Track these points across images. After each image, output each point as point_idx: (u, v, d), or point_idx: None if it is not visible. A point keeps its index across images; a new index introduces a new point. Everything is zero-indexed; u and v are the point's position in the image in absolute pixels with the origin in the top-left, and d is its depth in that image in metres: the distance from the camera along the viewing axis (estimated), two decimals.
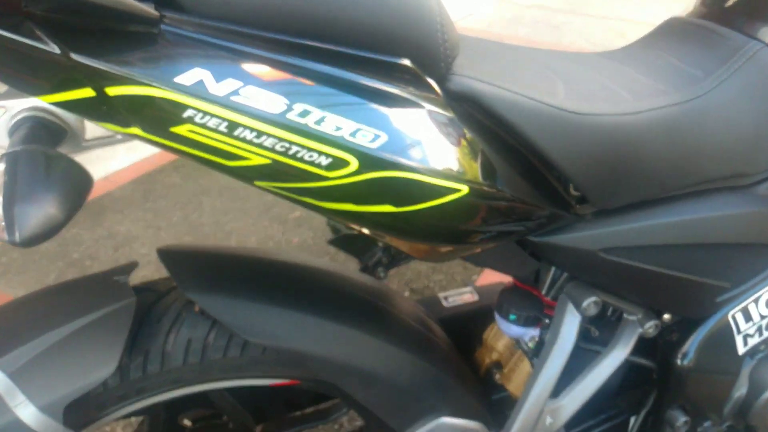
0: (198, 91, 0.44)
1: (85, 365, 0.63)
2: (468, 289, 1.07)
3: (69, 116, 0.52)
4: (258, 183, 0.50)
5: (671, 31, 0.83)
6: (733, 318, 0.85)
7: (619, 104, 0.64)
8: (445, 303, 1.04)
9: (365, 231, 0.57)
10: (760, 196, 0.76)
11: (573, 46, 3.81)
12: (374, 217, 0.52)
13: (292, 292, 0.73)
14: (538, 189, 0.63)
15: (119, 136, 0.53)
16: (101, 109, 0.45)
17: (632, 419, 0.93)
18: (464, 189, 0.52)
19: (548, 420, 0.75)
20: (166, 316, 0.70)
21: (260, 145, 0.45)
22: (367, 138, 0.47)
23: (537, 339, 0.79)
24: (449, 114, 0.52)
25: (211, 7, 0.45)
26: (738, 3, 0.81)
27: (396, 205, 0.50)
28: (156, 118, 0.44)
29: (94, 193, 2.68)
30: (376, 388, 0.74)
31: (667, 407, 0.88)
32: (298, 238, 2.08)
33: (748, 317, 0.85)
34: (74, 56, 0.42)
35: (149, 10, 0.43)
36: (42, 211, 0.42)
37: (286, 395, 0.94)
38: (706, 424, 0.92)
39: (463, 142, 0.52)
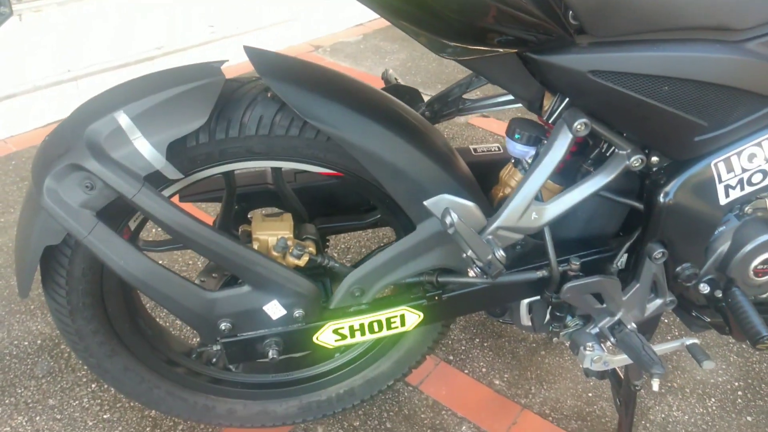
0: None
1: (184, 116, 0.87)
2: (496, 145, 1.24)
3: None
4: None
5: None
6: (716, 167, 0.98)
7: None
8: (473, 152, 1.22)
9: (394, 15, 0.76)
10: (745, 49, 0.88)
11: None
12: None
13: (351, 95, 0.93)
14: (540, 9, 0.79)
15: None
16: None
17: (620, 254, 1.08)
18: None
19: (533, 216, 0.93)
20: (246, 96, 0.92)
21: None
22: None
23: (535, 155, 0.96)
24: None
25: None
26: None
27: None
28: None
29: None
30: (401, 182, 0.94)
31: (648, 241, 1.03)
32: None
33: (729, 168, 0.98)
34: None
35: None
36: None
37: (332, 197, 1.16)
38: (686, 265, 1.06)
39: None
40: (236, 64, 3.09)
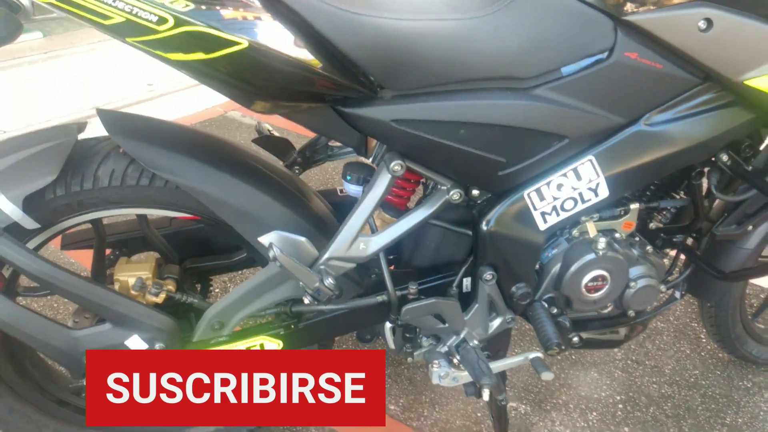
0: None
1: (37, 173, 0.97)
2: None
3: None
4: (128, 39, 0.82)
5: None
6: (529, 196, 1.11)
7: (398, 12, 0.93)
8: (339, 193, 1.34)
9: (205, 81, 0.89)
10: (531, 94, 1.02)
11: None
12: (199, 66, 0.84)
13: (195, 146, 1.05)
14: (338, 69, 0.92)
15: (55, 14, 0.86)
16: None
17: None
18: (244, 43, 0.82)
19: (361, 246, 1.04)
20: (100, 153, 1.03)
21: (116, 7, 0.78)
22: (180, 5, 0.78)
23: None
24: (250, 3, 0.83)
25: None
26: None
27: (205, 52, 0.81)
28: None
29: None
30: (245, 222, 1.05)
31: (479, 265, 1.15)
32: None
33: (541, 197, 1.11)
34: None
35: None
36: None
37: (202, 240, 1.26)
38: (519, 285, 1.18)
39: (255, 19, 0.83)
40: (179, 118, 3.24)
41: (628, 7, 1.01)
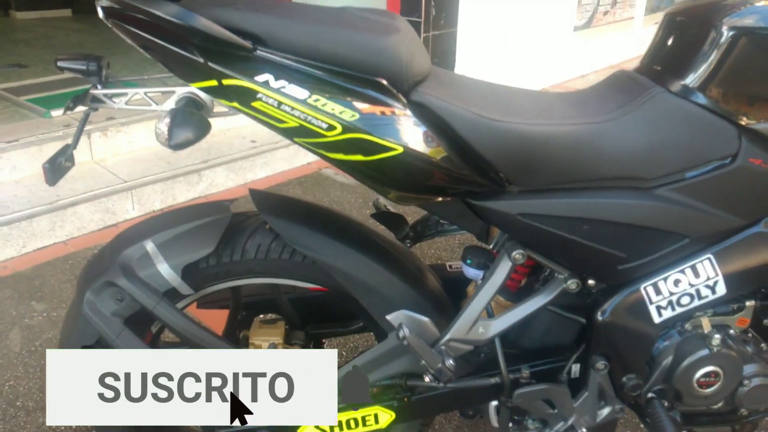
0: (265, 84, 0.88)
1: (197, 245, 1.09)
2: None
3: (205, 96, 0.99)
4: (296, 140, 0.93)
5: (611, 79, 1.17)
6: (645, 290, 1.13)
7: (530, 118, 1.00)
8: (449, 269, 1.41)
9: (356, 176, 0.98)
10: (654, 195, 1.06)
11: None
12: (356, 164, 0.93)
13: (332, 225, 1.16)
14: (473, 168, 1.00)
15: (230, 111, 0.99)
16: (219, 91, 0.91)
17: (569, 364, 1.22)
18: (400, 149, 0.91)
19: (480, 330, 1.10)
20: (248, 228, 1.15)
21: (293, 115, 0.89)
22: (348, 115, 0.89)
23: None
24: (403, 109, 0.92)
25: (280, 46, 0.90)
26: (654, 61, 1.14)
27: (364, 155, 0.91)
28: (244, 96, 0.89)
29: (236, 195, 3.37)
30: (371, 297, 1.13)
31: (592, 353, 1.17)
32: None
33: (658, 291, 1.13)
34: (210, 63, 0.89)
35: (246, 44, 0.88)
36: (184, 134, 0.89)
37: (322, 307, 1.35)
38: (630, 376, 1.19)
39: (408, 126, 0.92)
40: (270, 175, 3.44)
41: (753, 115, 1.05)
